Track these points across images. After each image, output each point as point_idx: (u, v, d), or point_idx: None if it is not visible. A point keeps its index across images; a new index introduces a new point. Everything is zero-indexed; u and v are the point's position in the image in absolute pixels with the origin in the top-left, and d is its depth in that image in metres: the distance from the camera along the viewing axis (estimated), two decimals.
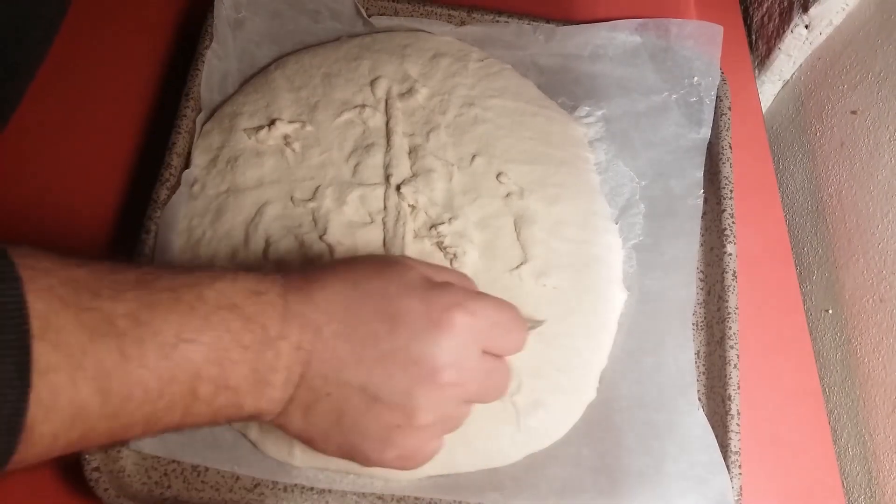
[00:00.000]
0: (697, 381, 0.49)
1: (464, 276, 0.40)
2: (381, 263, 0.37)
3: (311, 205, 0.50)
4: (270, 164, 0.51)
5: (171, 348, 0.30)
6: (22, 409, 0.27)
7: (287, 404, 0.34)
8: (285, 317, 0.33)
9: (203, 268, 0.34)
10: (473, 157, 0.53)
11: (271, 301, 0.33)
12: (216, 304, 0.32)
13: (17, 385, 0.27)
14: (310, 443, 0.36)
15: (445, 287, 0.36)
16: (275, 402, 0.34)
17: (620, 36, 0.59)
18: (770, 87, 0.67)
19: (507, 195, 0.51)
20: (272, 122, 0.52)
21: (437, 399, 0.35)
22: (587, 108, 0.57)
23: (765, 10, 0.65)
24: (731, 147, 0.56)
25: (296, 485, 0.44)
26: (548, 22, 0.60)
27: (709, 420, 0.47)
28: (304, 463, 0.44)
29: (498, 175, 0.52)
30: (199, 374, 0.31)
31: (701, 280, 0.53)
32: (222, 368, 0.32)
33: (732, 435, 0.46)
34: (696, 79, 0.57)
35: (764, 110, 0.66)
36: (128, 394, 0.30)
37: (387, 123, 0.54)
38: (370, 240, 0.49)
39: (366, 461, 0.36)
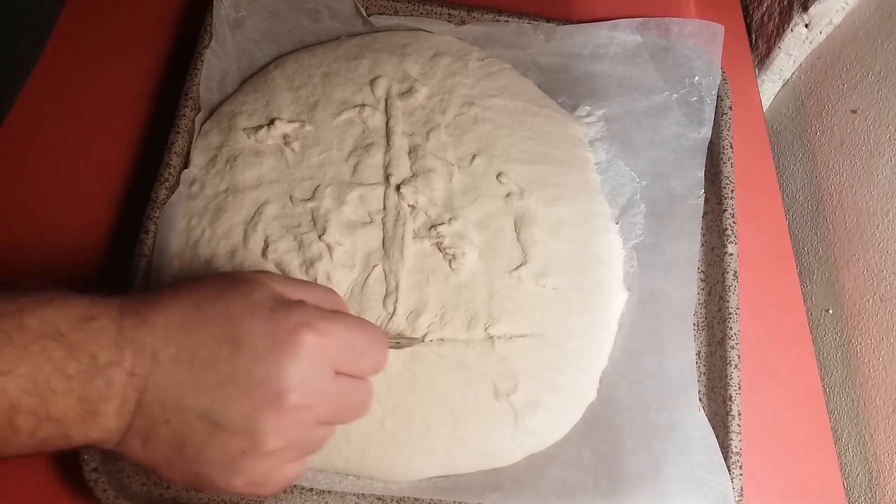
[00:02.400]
0: (698, 381, 0.49)
1: (329, 291, 0.38)
2: (228, 283, 0.35)
3: (311, 204, 0.50)
4: (270, 163, 0.51)
5: None
6: None
7: (125, 432, 0.33)
8: (118, 342, 0.32)
9: (36, 292, 0.32)
10: (473, 156, 0.52)
11: (103, 326, 0.32)
12: (38, 332, 0.31)
13: None
14: (154, 471, 0.34)
15: (295, 306, 0.34)
16: (109, 431, 0.33)
17: (621, 35, 0.59)
18: (770, 87, 0.67)
19: (507, 195, 0.51)
20: (271, 122, 0.52)
21: (284, 423, 0.33)
22: (587, 108, 0.57)
23: (765, 8, 0.65)
24: (731, 146, 0.55)
25: (295, 486, 0.44)
26: (548, 21, 0.59)
27: (710, 420, 0.47)
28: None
29: (498, 175, 0.52)
30: (17, 407, 0.30)
31: (702, 280, 0.52)
32: (43, 399, 0.31)
33: (733, 435, 0.46)
34: (696, 78, 0.57)
35: (764, 110, 0.66)
36: None
37: (387, 123, 0.53)
38: (369, 240, 0.49)
39: (213, 489, 0.34)
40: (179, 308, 0.34)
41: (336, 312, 0.36)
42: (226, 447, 0.33)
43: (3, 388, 0.30)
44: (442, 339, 0.46)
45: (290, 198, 0.50)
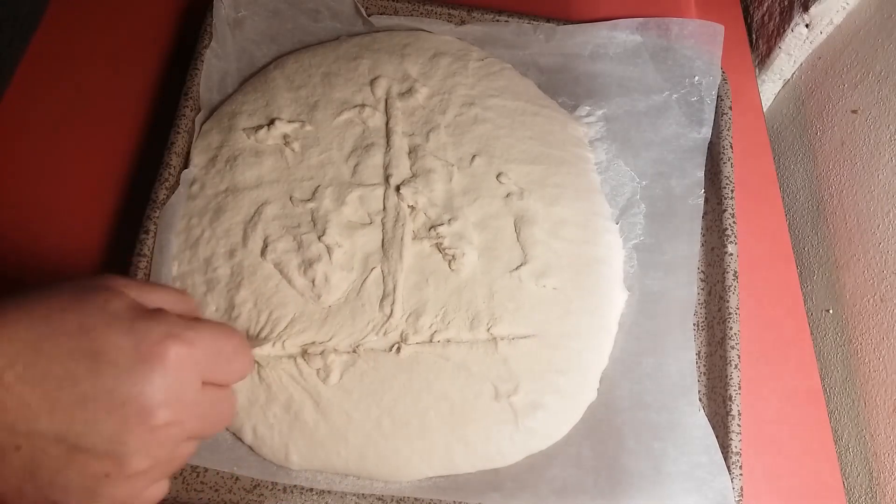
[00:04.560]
0: (698, 381, 0.49)
1: (182, 294, 0.36)
2: (80, 292, 0.32)
3: (311, 205, 0.50)
4: (269, 163, 0.51)
5: None
6: None
7: None
8: None
9: None
10: (473, 157, 0.52)
11: None
12: None
13: None
14: (2, 500, 0.31)
15: (157, 316, 0.32)
16: None
17: (621, 35, 0.59)
18: (770, 87, 0.67)
19: (507, 195, 0.51)
20: (271, 122, 0.52)
21: (151, 442, 0.31)
22: (588, 108, 0.57)
23: (765, 9, 0.65)
24: (731, 146, 0.55)
25: (295, 486, 0.44)
26: (548, 21, 0.59)
27: (709, 420, 0.47)
28: (302, 467, 0.44)
29: (498, 175, 0.52)
30: None
31: (702, 280, 0.52)
32: None
33: (733, 435, 0.46)
34: (696, 78, 0.57)
35: (764, 110, 0.66)
36: None
37: (386, 123, 0.53)
38: (368, 241, 0.49)
39: None
40: (26, 322, 0.30)
41: (199, 320, 0.34)
42: (86, 471, 0.31)
43: None
44: (448, 340, 0.46)
45: (290, 198, 0.50)
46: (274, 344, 0.45)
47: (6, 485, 0.31)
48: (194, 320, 0.34)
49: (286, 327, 0.46)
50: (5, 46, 0.52)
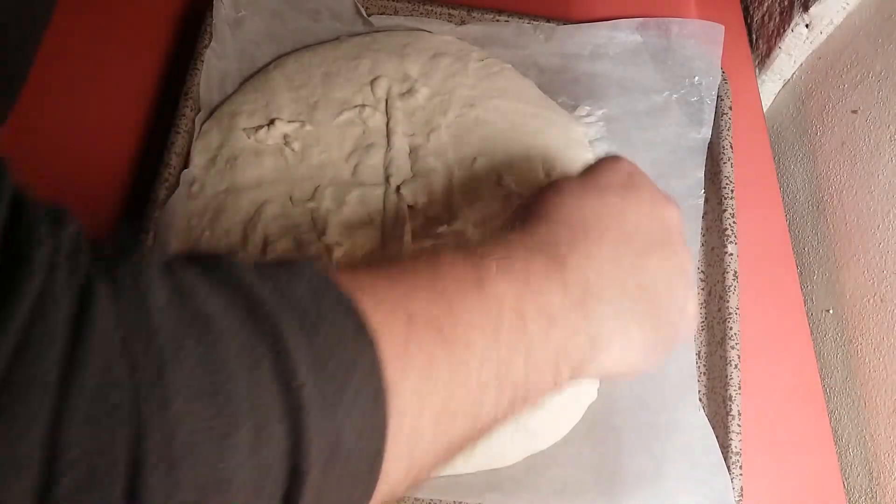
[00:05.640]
0: (698, 381, 0.49)
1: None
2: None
3: (310, 205, 0.50)
4: (269, 163, 0.51)
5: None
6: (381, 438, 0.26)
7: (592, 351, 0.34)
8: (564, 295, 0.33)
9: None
10: (474, 158, 0.52)
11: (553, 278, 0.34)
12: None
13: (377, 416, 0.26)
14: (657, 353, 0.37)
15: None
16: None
17: (621, 35, 0.59)
18: (770, 87, 0.66)
19: (507, 196, 0.51)
20: (271, 122, 0.52)
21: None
22: (587, 108, 0.57)
23: (765, 9, 0.65)
24: (731, 146, 0.55)
25: None
26: (548, 21, 0.59)
27: (709, 421, 0.47)
28: None
29: (498, 177, 0.52)
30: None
31: (702, 280, 0.52)
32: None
33: (733, 436, 0.46)
34: (696, 78, 0.57)
35: (764, 110, 0.66)
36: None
37: (387, 123, 0.53)
38: (368, 241, 0.49)
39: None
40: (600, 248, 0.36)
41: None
42: (669, 296, 0.38)
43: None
44: None
45: (290, 198, 0.50)
46: None
47: (642, 343, 0.36)
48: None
49: None
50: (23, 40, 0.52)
